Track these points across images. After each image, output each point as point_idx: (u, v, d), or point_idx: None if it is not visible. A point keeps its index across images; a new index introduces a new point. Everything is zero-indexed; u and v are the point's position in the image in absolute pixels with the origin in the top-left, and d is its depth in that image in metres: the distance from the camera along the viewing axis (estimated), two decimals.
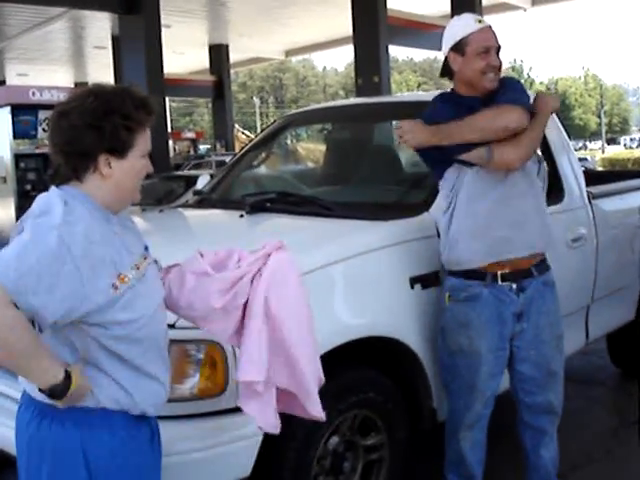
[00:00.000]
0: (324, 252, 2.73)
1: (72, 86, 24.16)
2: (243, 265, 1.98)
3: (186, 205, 4.29)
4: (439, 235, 2.85)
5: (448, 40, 2.80)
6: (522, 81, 3.09)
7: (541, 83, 76.84)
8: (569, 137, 3.95)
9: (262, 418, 2.01)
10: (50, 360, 1.69)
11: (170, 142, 20.16)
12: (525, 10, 20.13)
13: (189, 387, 2.33)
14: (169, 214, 4.07)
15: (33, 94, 11.33)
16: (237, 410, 2.32)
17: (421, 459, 3.31)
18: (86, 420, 1.77)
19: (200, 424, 2.35)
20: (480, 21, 2.80)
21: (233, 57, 24.05)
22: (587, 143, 68.30)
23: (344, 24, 15.96)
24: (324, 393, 2.10)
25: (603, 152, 47.77)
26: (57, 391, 1.68)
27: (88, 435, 1.76)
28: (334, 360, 2.45)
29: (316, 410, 2.05)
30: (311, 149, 5.12)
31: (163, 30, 14.42)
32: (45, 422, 1.77)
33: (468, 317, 2.77)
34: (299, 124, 4.91)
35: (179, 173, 12.77)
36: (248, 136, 29.55)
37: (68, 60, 24.95)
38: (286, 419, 2.09)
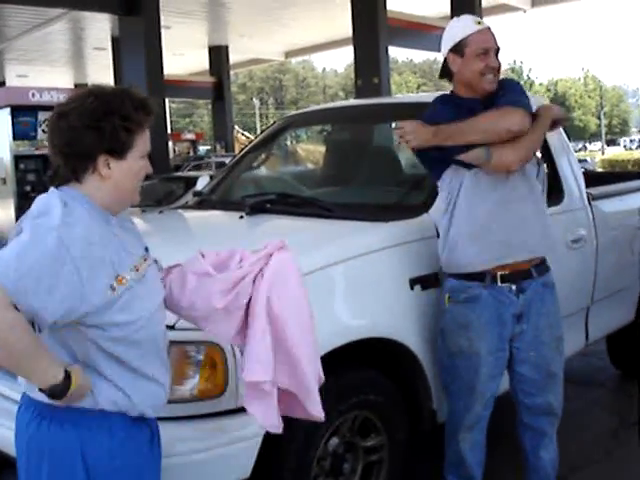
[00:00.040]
0: (324, 253, 2.73)
1: (72, 87, 24.17)
2: (245, 265, 1.98)
3: (186, 206, 4.29)
4: (439, 236, 2.85)
5: (447, 41, 2.80)
6: (522, 82, 3.08)
7: (541, 84, 76.85)
8: (569, 138, 3.96)
9: (265, 418, 2.02)
10: (50, 360, 1.69)
11: (170, 143, 20.16)
12: (525, 11, 20.14)
13: (189, 388, 2.33)
14: (169, 215, 4.07)
15: (33, 95, 11.35)
16: (237, 411, 2.33)
17: (421, 460, 3.31)
18: (85, 421, 1.77)
19: (200, 425, 2.35)
20: (479, 22, 2.80)
21: (233, 58, 24.06)
22: (587, 144, 68.30)
23: (344, 25, 15.97)
24: (324, 394, 2.09)
25: (603, 153, 47.79)
26: (57, 391, 1.68)
27: (87, 436, 1.76)
28: (334, 361, 2.45)
29: (316, 410, 2.06)
30: (311, 150, 5.12)
31: (163, 31, 14.43)
32: (44, 423, 1.77)
33: (468, 318, 2.77)
34: (299, 125, 4.91)
35: (179, 174, 12.77)
36: (248, 137, 29.57)
37: (68, 61, 24.95)
38: (286, 420, 2.09)
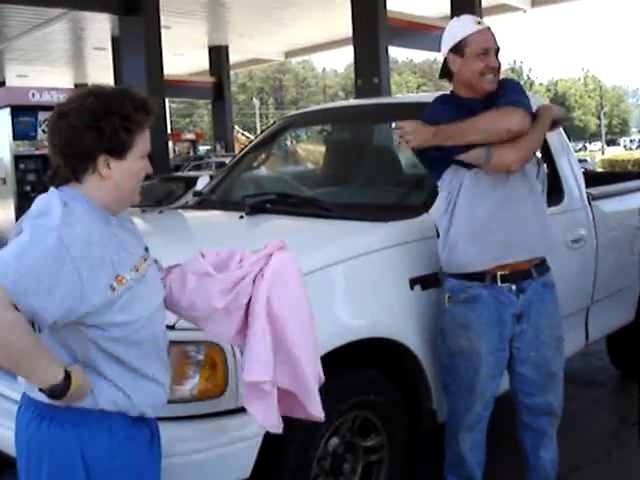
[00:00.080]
0: (324, 253, 2.73)
1: (72, 87, 24.16)
2: (245, 265, 1.98)
3: (186, 206, 4.29)
4: (439, 236, 2.85)
5: (447, 41, 2.80)
6: (521, 82, 3.08)
7: (541, 84, 76.85)
8: (569, 138, 3.96)
9: (265, 418, 2.02)
10: (50, 360, 1.69)
11: (170, 143, 20.16)
12: (525, 11, 20.14)
13: (189, 388, 2.33)
14: (169, 215, 4.07)
15: (33, 95, 11.35)
16: (237, 411, 2.33)
17: (421, 460, 3.31)
18: (85, 421, 1.76)
19: (200, 425, 2.34)
20: (479, 22, 2.81)
21: (233, 58, 24.06)
22: (587, 144, 68.29)
23: (344, 25, 15.97)
24: (324, 394, 2.09)
25: (603, 153, 47.80)
26: (57, 391, 1.68)
27: (87, 436, 1.76)
28: (334, 361, 2.45)
29: (316, 410, 2.06)
30: (311, 150, 5.12)
31: (163, 31, 14.42)
32: (44, 423, 1.77)
33: (468, 318, 2.77)
34: (299, 125, 4.91)
35: (179, 174, 12.77)
36: (248, 137, 29.56)
37: (68, 61, 24.95)
38: (286, 420, 2.09)
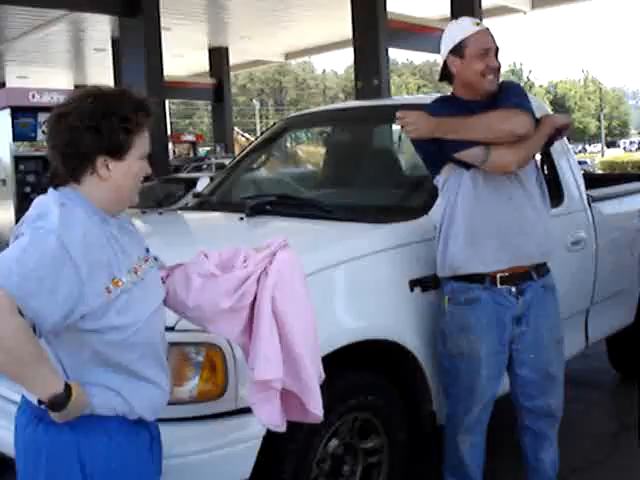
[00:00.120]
0: (324, 255, 2.73)
1: (72, 89, 24.15)
2: (250, 265, 1.99)
3: (186, 208, 4.29)
4: None
5: (447, 43, 2.80)
6: (521, 84, 3.08)
7: (541, 86, 76.92)
8: (569, 140, 3.95)
9: (269, 418, 2.02)
10: (51, 370, 1.68)
11: (170, 145, 20.15)
12: (525, 13, 20.12)
13: (189, 390, 2.32)
14: (169, 216, 4.07)
15: (33, 96, 11.34)
16: (237, 413, 2.33)
17: (420, 462, 3.30)
18: (82, 424, 1.75)
19: (199, 427, 2.34)
20: (478, 24, 2.81)
21: (233, 60, 24.03)
22: (586, 146, 68.32)
23: (344, 27, 15.95)
24: (324, 395, 2.09)
25: (602, 155, 47.83)
26: (57, 402, 1.66)
27: (84, 439, 1.75)
28: (334, 363, 2.45)
29: (317, 409, 2.05)
30: (311, 152, 5.12)
31: (163, 33, 14.41)
32: (42, 425, 1.76)
33: (468, 320, 2.76)
34: (299, 127, 4.91)
35: (178, 176, 12.76)
36: (248, 139, 29.54)
37: (68, 62, 24.93)
38: (286, 422, 2.09)
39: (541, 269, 2.85)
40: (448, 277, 2.82)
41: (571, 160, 3.86)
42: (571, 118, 2.90)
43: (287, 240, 2.06)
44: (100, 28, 18.47)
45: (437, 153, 2.73)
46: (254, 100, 66.27)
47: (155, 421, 1.93)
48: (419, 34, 15.70)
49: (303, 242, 2.81)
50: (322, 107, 6.09)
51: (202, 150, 27.53)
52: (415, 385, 2.94)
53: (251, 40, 22.04)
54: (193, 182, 5.98)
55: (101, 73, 22.74)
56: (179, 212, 4.24)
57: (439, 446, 2.99)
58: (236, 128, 29.54)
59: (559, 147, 3.77)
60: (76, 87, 26.27)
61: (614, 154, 46.38)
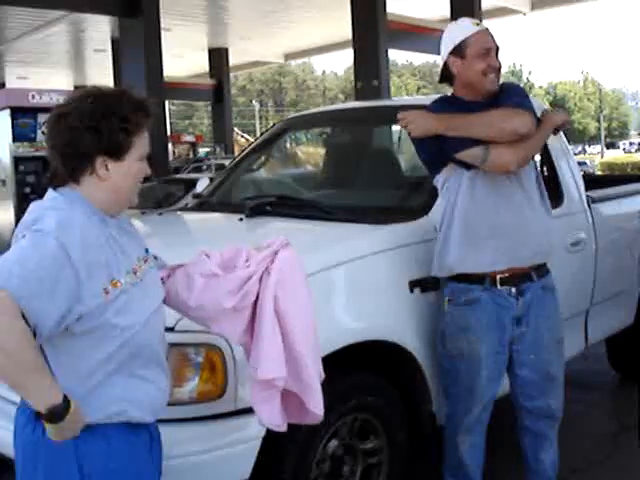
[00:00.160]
0: (324, 255, 2.73)
1: (72, 89, 24.15)
2: (252, 264, 1.99)
3: (185, 208, 4.29)
4: None
5: (447, 44, 2.80)
6: (521, 85, 3.08)
7: (540, 87, 76.93)
8: (568, 141, 3.96)
9: (270, 418, 2.02)
10: (50, 380, 1.66)
11: (169, 145, 20.15)
12: (524, 14, 20.13)
13: (188, 391, 2.32)
14: (168, 217, 4.07)
15: (32, 97, 11.33)
16: (236, 413, 2.33)
17: (420, 463, 3.30)
18: None
19: (199, 427, 2.34)
20: (478, 24, 2.81)
21: (233, 60, 24.04)
22: (586, 147, 68.32)
23: (344, 28, 15.95)
24: (324, 396, 2.09)
25: (602, 156, 47.82)
26: (56, 413, 1.63)
27: (82, 440, 1.74)
28: (334, 363, 2.44)
29: (318, 408, 2.05)
30: (310, 152, 5.12)
31: (163, 33, 14.41)
32: (40, 426, 1.74)
33: (468, 321, 2.76)
34: (298, 128, 4.91)
35: (178, 176, 12.75)
36: (247, 139, 29.55)
37: (68, 63, 24.93)
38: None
39: (541, 270, 2.85)
40: (448, 278, 2.82)
41: (571, 161, 3.86)
42: (569, 116, 2.90)
43: (288, 239, 2.06)
44: (100, 29, 18.48)
45: (438, 154, 2.73)
46: (254, 101, 66.29)
47: (155, 422, 1.93)
48: (419, 35, 15.71)
49: (303, 243, 2.80)
50: (322, 108, 6.09)
51: (202, 151, 27.52)
52: (415, 386, 2.94)
53: (251, 41, 22.04)
54: (193, 183, 5.98)
55: (101, 74, 22.74)
56: (179, 213, 4.24)
57: (439, 446, 2.99)
58: (236, 129, 29.54)
59: (559, 148, 3.78)
60: (76, 88, 26.26)
61: (614, 155, 46.39)
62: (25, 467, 1.81)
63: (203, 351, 2.32)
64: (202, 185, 4.35)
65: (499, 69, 2.76)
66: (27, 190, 11.06)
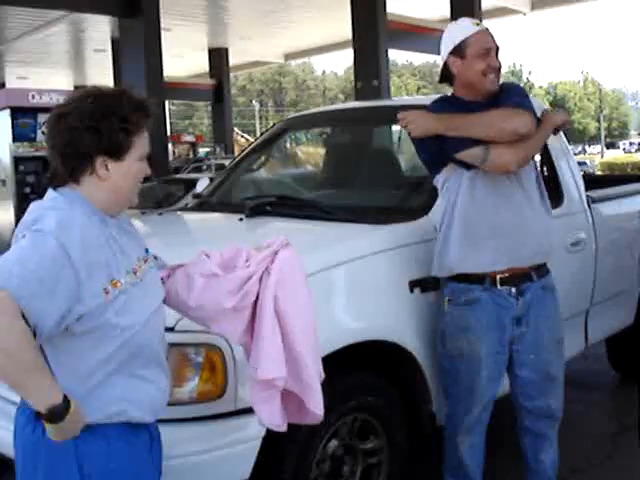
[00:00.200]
0: (323, 255, 2.73)
1: (72, 89, 24.15)
2: (252, 264, 1.99)
3: (185, 208, 4.29)
4: None
5: (447, 44, 2.79)
6: (521, 85, 3.07)
7: (540, 87, 76.92)
8: (568, 141, 3.96)
9: (270, 417, 2.02)
10: (51, 380, 1.65)
11: (169, 145, 20.15)
12: (524, 14, 20.13)
13: (188, 391, 2.32)
14: (168, 217, 4.07)
15: (32, 97, 11.33)
16: (236, 413, 2.33)
17: (420, 463, 3.30)
18: None
19: (199, 427, 2.34)
20: (478, 24, 2.81)
21: (233, 60, 24.04)
22: (586, 147, 68.33)
23: (344, 28, 15.96)
24: (324, 396, 2.09)
25: (602, 156, 47.82)
26: (56, 413, 1.62)
27: (82, 440, 1.74)
28: (334, 363, 2.44)
29: (318, 408, 2.05)
30: (310, 153, 5.12)
31: (163, 33, 14.41)
32: (40, 426, 1.74)
33: (468, 321, 2.76)
34: (298, 128, 4.91)
35: (178, 176, 12.75)
36: (247, 139, 29.55)
37: (68, 63, 24.94)
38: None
39: (541, 270, 2.85)
40: (448, 278, 2.82)
41: (571, 161, 3.86)
42: (569, 115, 2.89)
43: (288, 239, 2.06)
44: (100, 29, 18.48)
45: (438, 154, 2.73)
46: (254, 101, 66.29)
47: (155, 422, 1.93)
48: (419, 35, 15.71)
49: (303, 243, 2.80)
50: (322, 108, 6.09)
51: (202, 151, 27.53)
52: (415, 386, 2.94)
53: (251, 41, 22.04)
54: (193, 183, 5.98)
55: (101, 74, 22.74)
56: (179, 213, 4.24)
57: (439, 447, 2.99)
58: (236, 129, 29.54)
59: (559, 148, 3.78)
60: (76, 88, 26.25)
61: (614, 155, 46.39)
62: (25, 467, 1.81)
63: (203, 351, 2.32)
64: (202, 185, 4.35)
65: (499, 69, 2.76)
66: (27, 190, 11.07)
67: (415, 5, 17.09)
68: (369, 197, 3.58)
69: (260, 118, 65.61)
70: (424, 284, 2.90)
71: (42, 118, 10.96)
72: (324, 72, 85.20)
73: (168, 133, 17.62)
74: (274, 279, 1.97)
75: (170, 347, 2.08)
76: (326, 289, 2.64)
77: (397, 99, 8.05)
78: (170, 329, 2.21)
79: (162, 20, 14.40)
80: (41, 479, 1.76)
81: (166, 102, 17.61)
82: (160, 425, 1.98)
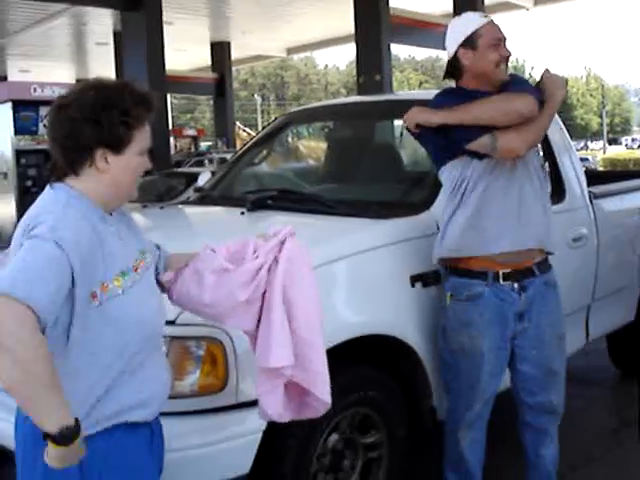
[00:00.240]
0: (325, 250, 2.72)
1: (74, 82, 24.12)
2: (260, 255, 1.99)
3: (187, 202, 4.29)
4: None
5: (457, 37, 2.76)
6: None
7: None
8: (571, 137, 3.95)
9: (274, 407, 2.02)
10: (63, 399, 1.60)
11: (171, 139, 20.15)
12: (527, 9, 20.08)
13: (189, 384, 2.32)
14: (170, 211, 4.07)
15: (34, 90, 11.33)
16: (237, 407, 2.33)
17: (420, 458, 3.30)
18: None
19: (200, 421, 2.34)
20: (486, 16, 2.81)
21: (235, 54, 24.01)
22: (588, 143, 68.20)
23: (346, 22, 15.94)
24: None
25: (604, 152, 47.77)
26: (67, 435, 1.57)
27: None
28: (335, 358, 2.44)
29: (325, 395, 2.05)
30: (312, 147, 5.11)
31: (165, 27, 14.40)
32: None
33: (470, 316, 2.76)
34: (300, 122, 4.90)
35: (180, 170, 12.75)
36: (249, 133, 29.54)
37: (70, 56, 24.92)
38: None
39: (543, 265, 2.85)
40: (449, 272, 2.81)
41: (573, 157, 3.85)
42: (565, 80, 2.85)
43: (294, 228, 2.06)
44: (102, 22, 18.47)
45: (444, 147, 2.72)
46: (256, 95, 66.27)
47: (156, 417, 1.93)
48: (421, 30, 15.70)
49: (304, 237, 2.80)
50: (324, 102, 6.08)
51: (204, 145, 27.54)
52: (416, 380, 2.94)
53: (253, 35, 22.01)
54: (194, 176, 5.97)
55: (103, 67, 22.73)
56: (180, 206, 4.24)
57: (439, 441, 2.99)
58: (238, 123, 29.53)
59: (561, 144, 3.77)
60: (78, 81, 26.19)
61: (616, 151, 46.33)
62: (25, 459, 1.80)
63: (204, 344, 2.32)
64: (204, 179, 4.35)
65: (508, 58, 2.76)
66: (29, 183, 11.08)
67: (418, 0, 17.06)
68: (371, 191, 3.57)
69: (262, 112, 65.59)
70: (425, 279, 2.90)
71: (44, 111, 10.96)
72: (326, 66, 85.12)
73: (170, 127, 17.63)
74: (282, 268, 1.97)
75: (171, 340, 2.08)
76: (327, 283, 2.64)
77: (399, 94, 8.03)
78: (171, 322, 2.21)
79: (164, 13, 14.40)
80: (41, 472, 1.75)
81: (168, 96, 17.60)
82: (161, 418, 1.98)
